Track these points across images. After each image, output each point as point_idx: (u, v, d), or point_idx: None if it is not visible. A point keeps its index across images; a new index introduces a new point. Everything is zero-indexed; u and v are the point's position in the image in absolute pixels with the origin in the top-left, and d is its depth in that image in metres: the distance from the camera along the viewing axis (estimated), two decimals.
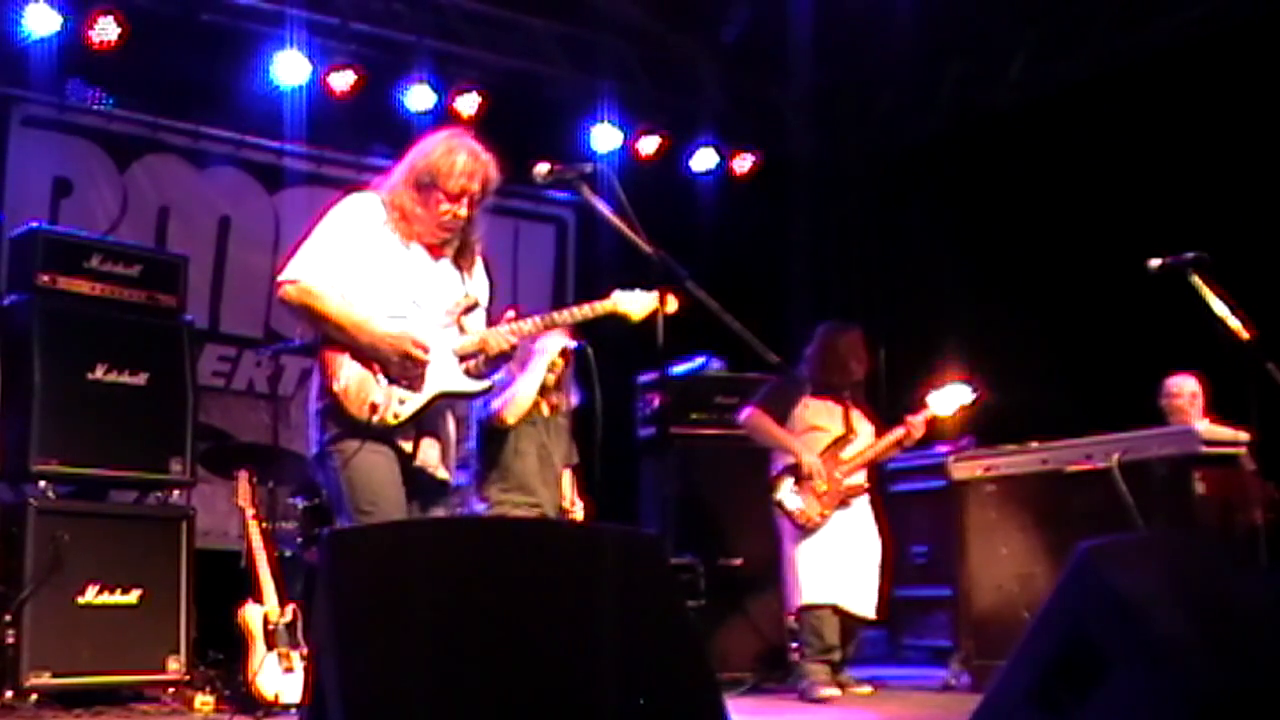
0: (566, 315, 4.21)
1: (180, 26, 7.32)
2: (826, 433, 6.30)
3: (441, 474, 3.90)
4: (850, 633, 6.29)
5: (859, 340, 6.47)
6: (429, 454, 3.89)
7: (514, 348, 4.00)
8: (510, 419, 5.47)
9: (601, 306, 4.18)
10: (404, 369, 3.80)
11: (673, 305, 3.93)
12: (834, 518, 6.18)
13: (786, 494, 6.19)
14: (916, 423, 6.25)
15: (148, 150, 7.67)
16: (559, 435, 5.70)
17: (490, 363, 3.97)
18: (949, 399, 6.27)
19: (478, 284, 4.05)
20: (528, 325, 4.04)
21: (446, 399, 3.93)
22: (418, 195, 3.88)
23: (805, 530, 6.17)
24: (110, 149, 7.55)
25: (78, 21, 6.88)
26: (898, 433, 6.28)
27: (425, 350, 3.82)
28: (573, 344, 5.41)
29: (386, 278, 3.86)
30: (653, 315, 4.03)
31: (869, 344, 6.64)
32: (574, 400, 5.77)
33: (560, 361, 5.57)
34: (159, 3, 7.30)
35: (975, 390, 6.32)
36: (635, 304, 4.14)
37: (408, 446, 3.84)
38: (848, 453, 6.27)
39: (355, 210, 3.93)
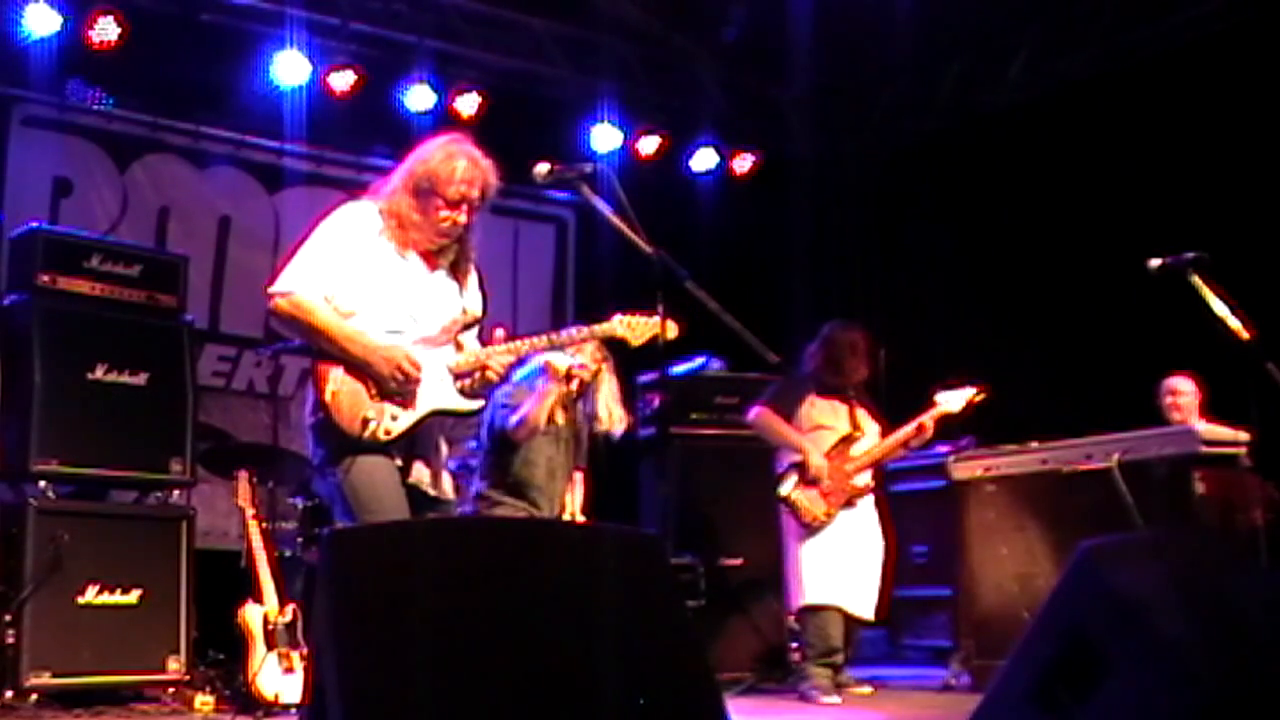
0: (565, 337, 4.15)
1: (180, 26, 7.32)
2: (833, 431, 6.28)
3: (432, 493, 3.86)
4: (850, 633, 6.28)
5: (862, 340, 6.45)
6: (421, 473, 3.85)
7: (509, 370, 3.96)
8: (522, 438, 5.49)
9: (601, 330, 4.09)
10: (397, 384, 3.74)
11: (673, 331, 3.88)
12: (839, 518, 6.16)
13: (793, 491, 6.18)
14: (927, 421, 6.21)
15: (148, 150, 7.68)
16: (569, 445, 5.71)
17: (486, 382, 3.93)
18: (957, 396, 6.25)
19: (472, 297, 3.99)
20: (525, 345, 3.99)
21: (439, 416, 3.87)
22: (416, 202, 3.81)
23: (811, 529, 6.15)
24: (110, 149, 7.55)
25: (78, 21, 6.89)
26: (907, 430, 6.23)
27: (418, 367, 3.75)
28: (575, 362, 5.43)
29: (383, 290, 3.79)
30: (653, 338, 3.98)
31: (870, 344, 6.62)
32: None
33: (570, 389, 5.58)
34: (159, 3, 7.30)
35: (979, 389, 6.29)
36: (634, 330, 4.04)
37: (399, 464, 3.80)
38: (856, 450, 6.26)
39: (350, 220, 3.85)
